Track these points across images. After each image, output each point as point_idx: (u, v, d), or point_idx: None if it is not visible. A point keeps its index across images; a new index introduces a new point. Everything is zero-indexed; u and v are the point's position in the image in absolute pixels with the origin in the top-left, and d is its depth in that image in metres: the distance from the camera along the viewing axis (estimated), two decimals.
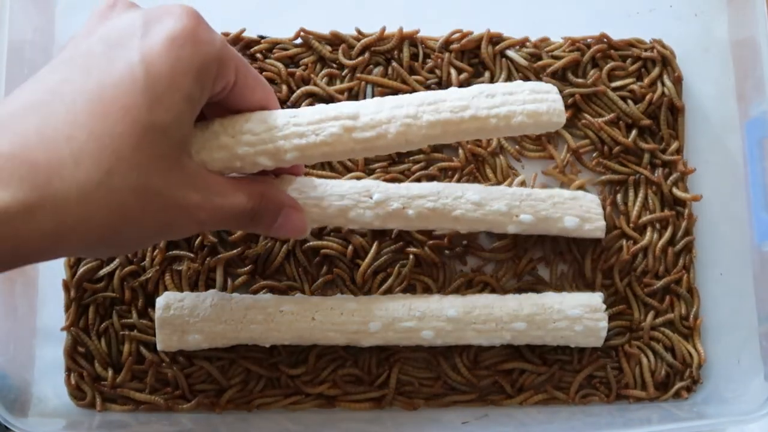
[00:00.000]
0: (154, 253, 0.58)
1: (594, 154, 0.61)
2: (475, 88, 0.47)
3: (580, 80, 0.61)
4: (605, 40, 0.61)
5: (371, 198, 0.54)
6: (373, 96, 0.61)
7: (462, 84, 0.60)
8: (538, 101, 0.47)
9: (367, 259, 0.58)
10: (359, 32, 0.62)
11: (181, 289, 0.58)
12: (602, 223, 0.57)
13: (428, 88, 0.61)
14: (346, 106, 0.46)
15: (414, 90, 0.60)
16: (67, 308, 0.58)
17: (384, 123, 0.46)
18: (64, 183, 0.35)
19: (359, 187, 0.54)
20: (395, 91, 0.60)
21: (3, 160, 0.34)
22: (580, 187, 0.60)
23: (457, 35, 0.61)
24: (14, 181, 0.34)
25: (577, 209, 0.57)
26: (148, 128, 0.37)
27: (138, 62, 0.37)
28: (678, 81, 0.62)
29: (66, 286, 0.58)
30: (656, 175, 0.60)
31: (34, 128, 0.35)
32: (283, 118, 0.46)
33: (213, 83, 0.41)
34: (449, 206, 0.55)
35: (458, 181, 0.60)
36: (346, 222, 0.54)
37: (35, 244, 0.35)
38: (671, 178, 0.60)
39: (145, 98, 0.36)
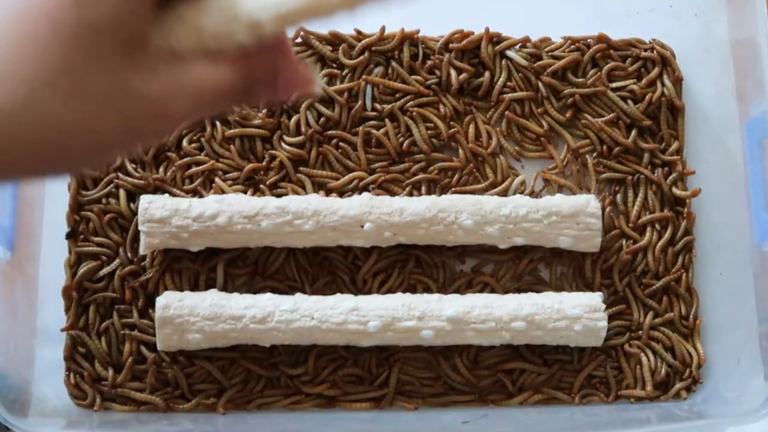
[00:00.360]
0: (155, 253, 0.58)
1: (594, 155, 0.61)
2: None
3: (580, 80, 0.61)
4: (605, 40, 0.61)
5: (362, 227, 0.56)
6: (373, 96, 0.61)
7: (462, 84, 0.60)
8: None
9: (368, 262, 0.59)
10: (358, 32, 0.62)
11: (181, 289, 0.58)
12: (598, 240, 0.57)
13: (428, 88, 0.61)
14: None
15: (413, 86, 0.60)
16: (67, 310, 0.58)
17: None
18: None
19: (351, 216, 0.56)
20: (395, 91, 0.60)
21: None
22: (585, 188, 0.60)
23: (457, 36, 0.61)
24: None
25: (574, 228, 0.57)
26: (77, 29, 0.33)
27: None
28: (678, 81, 0.61)
29: (66, 293, 0.58)
30: (656, 174, 0.60)
31: None
32: None
33: None
34: (441, 233, 0.56)
35: (458, 181, 0.60)
36: (338, 241, 0.57)
37: None
38: (671, 177, 0.60)
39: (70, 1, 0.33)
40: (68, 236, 0.59)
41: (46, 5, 0.33)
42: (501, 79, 0.61)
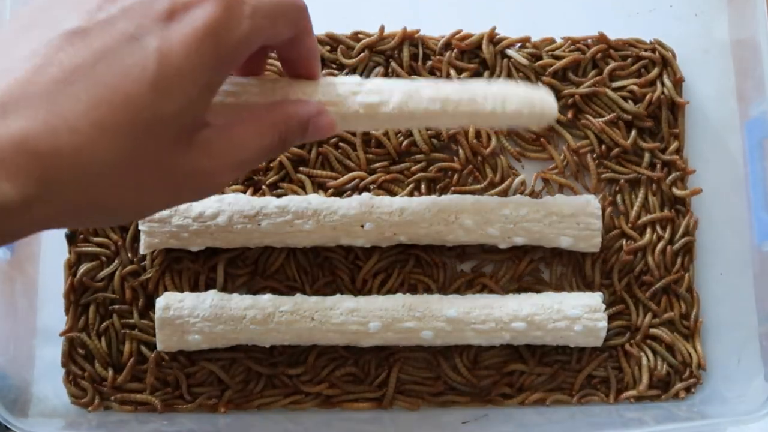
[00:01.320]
0: (155, 254, 0.58)
1: (594, 155, 0.61)
2: (475, 80, 0.51)
3: (581, 79, 0.61)
4: (607, 40, 0.61)
5: (363, 227, 0.56)
6: None
7: None
8: (533, 94, 0.51)
9: (369, 263, 0.59)
10: (355, 33, 0.62)
11: (181, 289, 0.58)
12: (598, 240, 0.57)
13: None
14: (352, 78, 0.49)
15: None
16: (67, 311, 0.58)
17: (386, 91, 0.48)
18: (62, 175, 0.35)
19: (351, 216, 0.56)
20: None
21: (13, 149, 0.34)
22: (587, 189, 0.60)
23: (458, 36, 0.61)
24: (21, 174, 0.34)
25: (574, 228, 0.57)
26: (151, 119, 0.37)
27: (153, 51, 0.36)
28: (679, 83, 0.61)
29: (68, 295, 0.58)
30: (656, 172, 0.60)
31: (42, 117, 0.35)
32: (293, 80, 0.48)
33: (236, 62, 0.41)
34: (442, 232, 0.56)
35: (458, 181, 0.60)
36: (339, 241, 0.57)
37: (25, 232, 0.36)
38: (671, 177, 0.60)
39: (152, 91, 0.36)
40: (69, 238, 0.59)
41: (130, 95, 0.36)
42: (501, 78, 0.61)
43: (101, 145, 0.35)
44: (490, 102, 0.49)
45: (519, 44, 0.62)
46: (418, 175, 0.60)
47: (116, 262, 0.58)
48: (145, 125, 0.36)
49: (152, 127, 0.37)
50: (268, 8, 0.40)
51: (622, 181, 0.60)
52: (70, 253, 0.59)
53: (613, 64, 0.61)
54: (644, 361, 0.58)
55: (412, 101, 0.48)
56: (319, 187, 0.60)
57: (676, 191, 0.60)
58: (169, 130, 0.38)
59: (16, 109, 0.34)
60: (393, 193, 0.59)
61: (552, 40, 0.62)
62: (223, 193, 0.58)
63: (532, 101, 0.50)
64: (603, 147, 0.61)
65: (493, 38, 0.61)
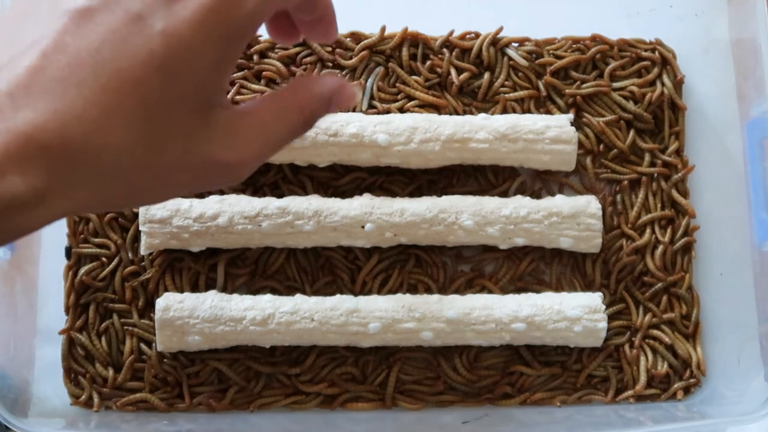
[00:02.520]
0: (154, 253, 0.58)
1: (592, 156, 0.61)
2: (502, 125, 0.57)
3: (583, 76, 0.61)
4: (604, 41, 0.61)
5: (363, 228, 0.56)
6: (372, 95, 0.60)
7: (463, 84, 0.60)
8: (555, 153, 0.57)
9: (369, 263, 0.58)
10: (353, 34, 0.61)
11: (181, 289, 0.58)
12: (598, 241, 0.57)
13: (430, 88, 0.60)
14: (380, 137, 0.56)
15: (416, 90, 0.60)
16: (67, 310, 0.58)
17: (411, 155, 0.56)
18: (74, 165, 0.34)
19: (352, 217, 0.56)
20: (396, 93, 0.60)
21: (22, 142, 0.33)
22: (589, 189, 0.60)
23: (457, 35, 0.61)
24: (30, 167, 0.33)
25: (574, 228, 0.57)
26: (161, 102, 0.36)
27: (159, 32, 0.35)
28: (679, 84, 0.61)
29: (68, 295, 0.58)
30: (656, 167, 0.60)
31: (50, 107, 0.34)
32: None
33: (248, 36, 0.39)
34: (442, 233, 0.56)
35: (458, 182, 0.60)
36: (339, 241, 0.57)
37: (40, 224, 0.35)
38: (672, 179, 0.60)
39: (159, 74, 0.35)
40: (67, 251, 0.59)
41: (138, 79, 0.35)
42: (500, 79, 0.61)
43: (111, 131, 0.34)
44: (509, 160, 0.57)
45: (518, 43, 0.62)
46: (419, 175, 0.60)
47: (115, 261, 0.58)
48: (155, 108, 0.35)
49: (162, 110, 0.36)
50: None
51: (624, 182, 0.60)
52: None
53: (613, 64, 0.61)
54: (643, 361, 0.58)
55: (432, 161, 0.57)
56: (320, 186, 0.60)
57: (676, 195, 0.60)
58: (181, 112, 0.37)
59: (25, 101, 0.34)
60: (393, 194, 0.59)
61: (553, 41, 0.62)
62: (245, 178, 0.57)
63: (552, 163, 0.57)
64: (602, 146, 0.60)
65: (493, 40, 0.61)
